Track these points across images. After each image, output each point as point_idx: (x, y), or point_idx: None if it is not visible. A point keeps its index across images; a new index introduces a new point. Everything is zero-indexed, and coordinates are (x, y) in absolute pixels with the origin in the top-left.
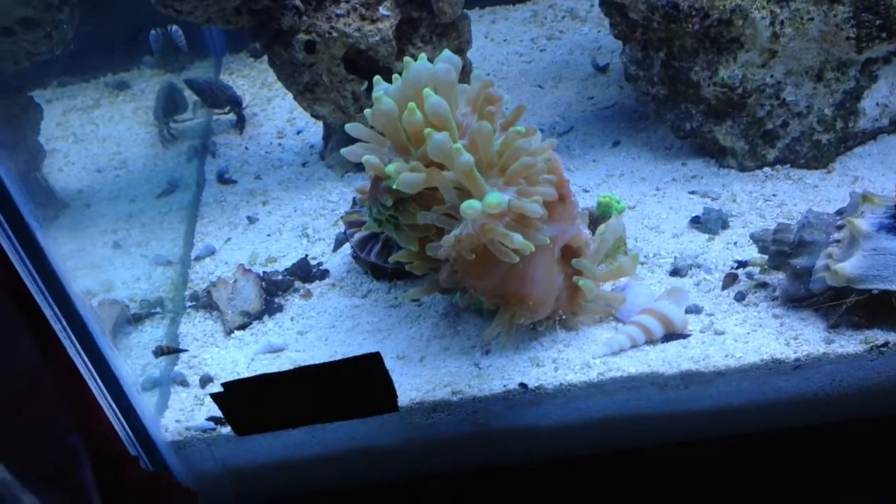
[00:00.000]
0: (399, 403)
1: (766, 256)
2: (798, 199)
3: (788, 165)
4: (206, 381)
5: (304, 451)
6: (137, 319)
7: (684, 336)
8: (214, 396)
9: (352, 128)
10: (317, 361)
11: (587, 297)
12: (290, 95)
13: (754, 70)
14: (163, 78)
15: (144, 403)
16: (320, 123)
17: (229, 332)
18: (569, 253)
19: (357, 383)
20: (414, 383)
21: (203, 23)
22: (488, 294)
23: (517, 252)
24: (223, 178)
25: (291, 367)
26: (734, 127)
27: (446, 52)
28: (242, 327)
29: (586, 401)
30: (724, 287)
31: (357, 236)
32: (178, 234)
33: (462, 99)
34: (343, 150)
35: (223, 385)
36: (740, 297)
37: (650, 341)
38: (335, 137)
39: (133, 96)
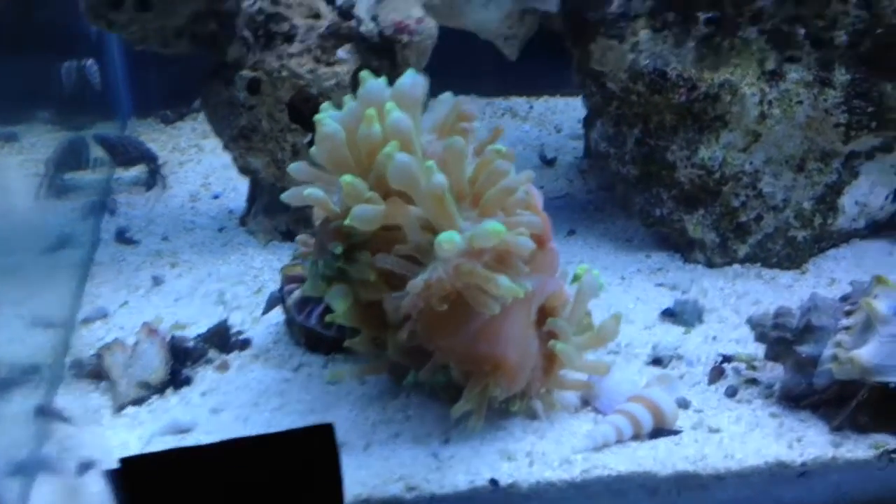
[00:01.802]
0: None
1: (753, 352)
2: (772, 298)
3: (759, 264)
4: (84, 467)
5: None
6: (4, 387)
7: (675, 432)
8: (111, 476)
9: (295, 168)
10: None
11: (567, 364)
12: (205, 160)
13: (735, 154)
14: (58, 134)
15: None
16: (239, 189)
17: (120, 408)
18: (542, 316)
19: (295, 468)
20: (358, 476)
21: (137, 42)
22: (457, 357)
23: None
24: (123, 238)
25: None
26: (706, 217)
27: (410, 71)
28: (138, 402)
29: None
30: (710, 381)
31: (296, 294)
32: (63, 294)
33: (425, 126)
34: (283, 195)
35: (122, 462)
36: (731, 393)
37: (637, 436)
38: (262, 200)
39: (21, 149)
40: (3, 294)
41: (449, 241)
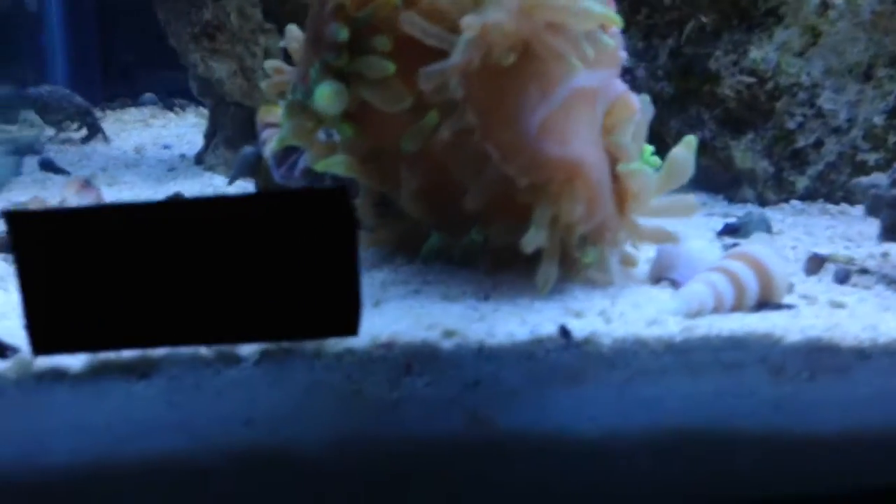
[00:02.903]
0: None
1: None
2: (847, 230)
3: (822, 200)
4: None
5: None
6: None
7: (788, 307)
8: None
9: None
10: None
11: (642, 195)
12: (154, 129)
13: (791, 59)
14: None
15: None
16: (195, 143)
17: None
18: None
19: (283, 260)
20: (370, 324)
21: None
22: (522, 161)
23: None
24: (49, 166)
25: None
26: (756, 141)
27: None
28: None
29: (659, 381)
30: (808, 272)
31: (274, 144)
32: None
33: None
34: None
35: (8, 216)
36: (842, 278)
37: (738, 306)
38: (225, 130)
39: None
40: None
41: None
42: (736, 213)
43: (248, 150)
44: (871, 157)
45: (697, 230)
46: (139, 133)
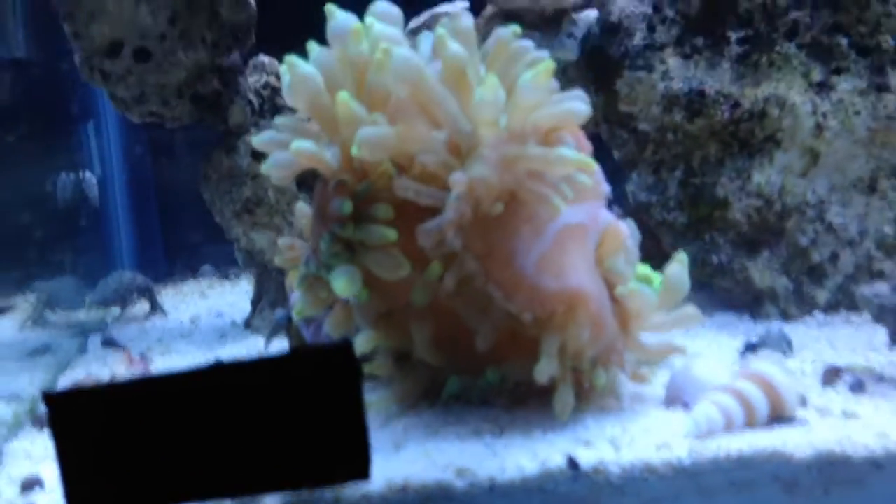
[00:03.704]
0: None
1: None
2: (880, 340)
3: (844, 311)
4: (29, 484)
5: None
6: None
7: (800, 421)
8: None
9: (260, 137)
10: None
11: (644, 311)
12: (210, 299)
13: (794, 180)
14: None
15: None
16: (244, 307)
17: None
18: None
19: (296, 414)
20: (388, 469)
21: (132, 101)
22: (523, 298)
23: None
24: (110, 342)
25: None
26: (772, 260)
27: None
28: None
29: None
30: (825, 383)
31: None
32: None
33: None
34: (255, 140)
35: (47, 398)
36: (857, 386)
37: (750, 423)
38: (269, 294)
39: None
40: None
41: (493, 89)
42: (759, 331)
43: (280, 313)
44: (888, 266)
45: (721, 350)
46: (196, 303)
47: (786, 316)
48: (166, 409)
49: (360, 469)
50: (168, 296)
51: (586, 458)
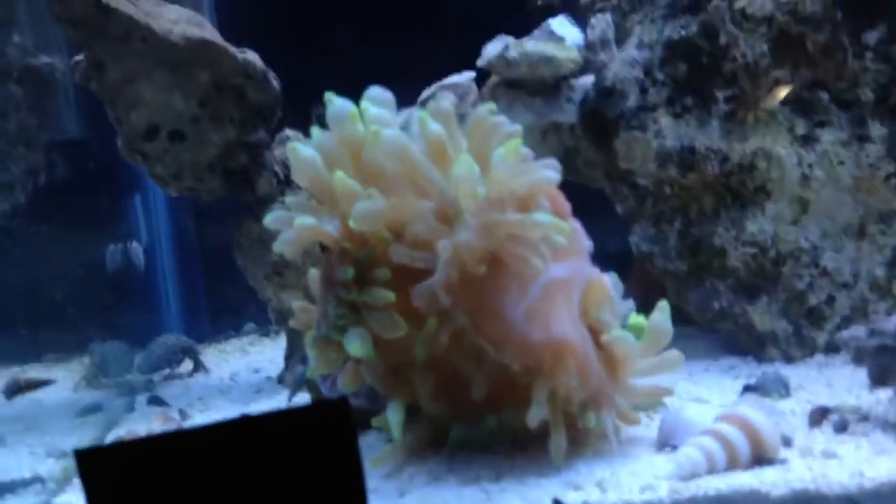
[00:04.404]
0: None
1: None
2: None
3: (844, 351)
4: None
5: None
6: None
7: (780, 462)
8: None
9: (272, 216)
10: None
11: (628, 357)
12: (251, 356)
13: (786, 228)
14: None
15: None
16: (280, 363)
17: None
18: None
19: (294, 470)
20: None
21: (170, 178)
22: (513, 350)
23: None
24: (155, 401)
25: None
26: (771, 304)
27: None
28: None
29: None
30: (812, 424)
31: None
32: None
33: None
34: (267, 219)
35: (77, 454)
36: (841, 427)
37: (733, 465)
38: (300, 350)
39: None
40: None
41: (467, 165)
42: (759, 373)
43: (299, 370)
44: (882, 307)
45: (724, 393)
46: (237, 360)
47: (788, 358)
48: (173, 466)
49: None
50: (212, 354)
51: (574, 499)
